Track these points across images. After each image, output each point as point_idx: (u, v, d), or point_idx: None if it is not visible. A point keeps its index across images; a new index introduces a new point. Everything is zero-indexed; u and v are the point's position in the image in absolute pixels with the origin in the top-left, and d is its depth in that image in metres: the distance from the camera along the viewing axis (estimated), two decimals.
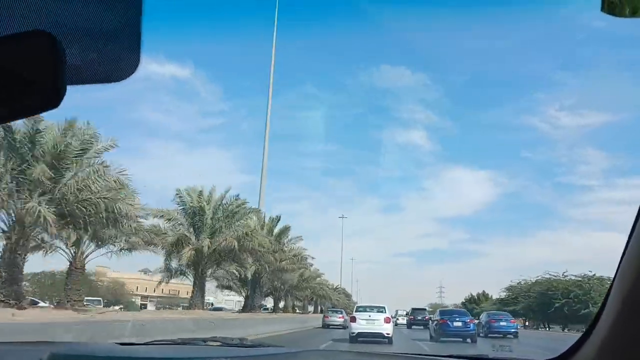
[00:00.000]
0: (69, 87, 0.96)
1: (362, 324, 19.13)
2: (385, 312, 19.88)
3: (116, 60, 1.09)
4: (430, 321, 26.82)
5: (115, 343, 2.36)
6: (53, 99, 0.93)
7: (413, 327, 42.12)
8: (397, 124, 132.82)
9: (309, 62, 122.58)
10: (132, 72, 1.08)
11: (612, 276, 1.21)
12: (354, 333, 19.09)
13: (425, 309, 47.01)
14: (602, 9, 0.88)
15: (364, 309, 20.66)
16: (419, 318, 43.02)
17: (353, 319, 19.87)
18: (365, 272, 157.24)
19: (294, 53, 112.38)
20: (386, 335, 18.92)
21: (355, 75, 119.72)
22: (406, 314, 52.65)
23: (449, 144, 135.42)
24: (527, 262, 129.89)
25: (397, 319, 54.05)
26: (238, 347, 2.24)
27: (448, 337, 21.93)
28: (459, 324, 22.46)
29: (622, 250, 1.15)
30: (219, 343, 2.33)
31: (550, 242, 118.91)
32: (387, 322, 19.30)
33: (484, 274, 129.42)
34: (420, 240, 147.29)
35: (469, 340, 22.16)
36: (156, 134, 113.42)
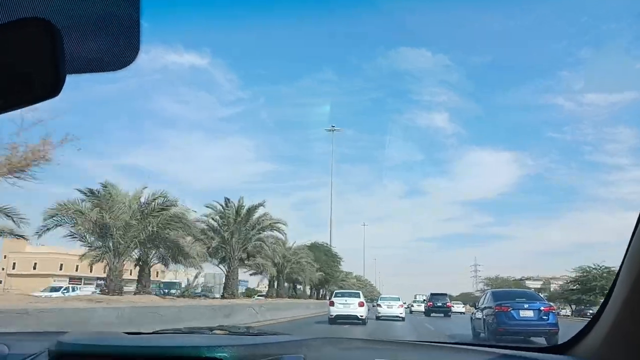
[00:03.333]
0: (69, 76, 0.96)
1: (340, 308, 22.14)
2: (360, 298, 22.95)
3: (116, 47, 1.09)
4: (476, 310, 16.88)
5: (123, 332, 2.39)
6: (53, 88, 0.93)
7: (432, 314, 37.89)
8: (417, 107, 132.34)
9: (325, 47, 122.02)
10: (132, 60, 1.08)
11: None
12: (332, 316, 22.02)
13: (445, 294, 41.06)
14: None
15: (342, 294, 23.81)
16: (439, 304, 38.08)
17: (331, 304, 22.77)
18: (387, 258, 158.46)
19: (311, 38, 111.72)
20: (360, 317, 21.82)
21: (373, 58, 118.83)
22: (424, 301, 47.04)
23: (471, 125, 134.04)
24: (557, 245, 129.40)
25: (412, 306, 48.06)
26: (245, 335, 2.26)
27: (511, 334, 13.26)
28: (530, 313, 13.55)
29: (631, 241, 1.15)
30: (225, 331, 2.36)
31: (580, 223, 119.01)
32: (360, 306, 22.21)
33: (512, 257, 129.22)
34: (444, 225, 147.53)
35: (543, 339, 13.35)
36: (175, 124, 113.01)
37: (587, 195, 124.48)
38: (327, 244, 54.79)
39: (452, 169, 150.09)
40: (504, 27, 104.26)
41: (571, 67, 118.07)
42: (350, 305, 22.18)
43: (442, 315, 37.27)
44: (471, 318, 17.53)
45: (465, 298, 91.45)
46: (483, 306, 15.46)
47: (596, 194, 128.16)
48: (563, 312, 54.73)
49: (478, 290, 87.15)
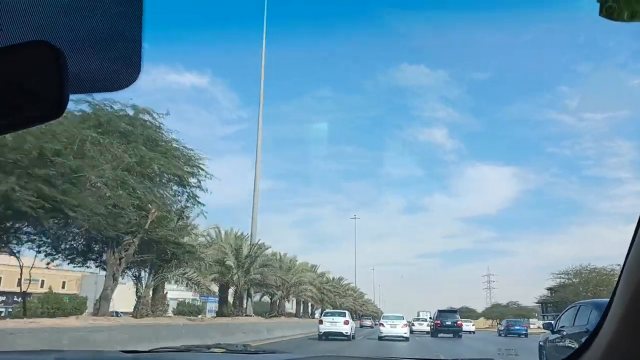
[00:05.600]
0: (72, 96, 0.98)
1: (327, 325, 25.26)
2: (345, 316, 25.97)
3: (117, 69, 1.11)
4: (553, 333, 10.81)
5: (120, 351, 2.37)
6: (56, 109, 0.96)
7: (440, 334, 32.98)
8: (418, 123, 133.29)
9: (325, 65, 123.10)
10: (134, 81, 1.11)
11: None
12: (321, 332, 25.01)
13: (455, 311, 36.61)
14: (600, 13, 0.89)
15: (330, 314, 27.05)
16: (448, 323, 33.15)
17: (320, 322, 25.90)
18: (388, 274, 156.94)
19: (310, 56, 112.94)
20: (345, 334, 24.97)
21: (373, 76, 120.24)
22: (430, 318, 41.04)
23: (472, 141, 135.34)
24: (559, 259, 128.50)
25: (413, 325, 40.23)
26: (242, 353, 2.25)
27: None
28: None
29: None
30: (223, 350, 2.35)
31: (582, 238, 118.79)
32: (346, 324, 25.26)
33: (514, 272, 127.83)
34: (446, 241, 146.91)
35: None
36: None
37: (588, 209, 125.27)
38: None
39: (452, 185, 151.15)
40: (504, 44, 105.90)
41: (570, 82, 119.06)
42: (337, 324, 25.31)
43: (452, 335, 32.77)
44: (540, 345, 11.87)
45: (505, 311, 77.45)
46: (577, 330, 9.57)
47: (598, 208, 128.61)
48: None
49: (545, 297, 63.06)
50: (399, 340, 26.33)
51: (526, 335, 39.55)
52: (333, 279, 58.90)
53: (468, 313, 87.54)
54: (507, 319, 52.11)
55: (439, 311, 35.90)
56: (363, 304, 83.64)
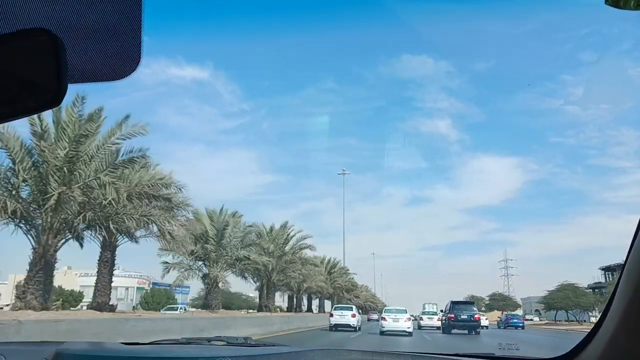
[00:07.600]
0: (70, 86, 0.97)
1: (337, 318, 29.50)
2: (352, 310, 30.36)
3: (117, 58, 1.11)
4: None
5: (120, 342, 2.38)
6: (54, 98, 0.95)
7: (454, 331, 29.08)
8: (420, 115, 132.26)
9: (326, 56, 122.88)
10: (133, 71, 1.10)
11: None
12: (332, 324, 29.19)
13: (472, 303, 32.48)
14: (606, 2, 0.88)
15: (340, 308, 31.73)
16: (464, 317, 28.75)
17: (331, 315, 30.24)
18: (391, 267, 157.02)
19: (311, 48, 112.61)
20: (352, 325, 28.99)
21: (375, 66, 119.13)
22: (442, 312, 36.13)
23: (475, 132, 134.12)
24: (564, 250, 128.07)
25: (421, 319, 37.09)
26: (243, 346, 2.26)
27: None
28: None
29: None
30: (223, 342, 2.36)
31: (586, 228, 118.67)
32: (353, 317, 29.34)
33: (521, 264, 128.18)
34: (450, 233, 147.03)
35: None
36: (177, 136, 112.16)
37: (593, 200, 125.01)
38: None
39: (456, 176, 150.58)
40: (506, 33, 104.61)
41: (574, 71, 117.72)
42: (345, 316, 29.50)
43: (467, 331, 29.07)
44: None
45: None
46: None
47: (602, 198, 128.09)
48: None
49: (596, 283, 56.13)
50: (403, 335, 25.26)
51: (523, 327, 45.09)
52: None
53: (503, 302, 76.09)
54: (506, 312, 59.73)
55: (452, 303, 30.59)
56: (351, 289, 62.29)
